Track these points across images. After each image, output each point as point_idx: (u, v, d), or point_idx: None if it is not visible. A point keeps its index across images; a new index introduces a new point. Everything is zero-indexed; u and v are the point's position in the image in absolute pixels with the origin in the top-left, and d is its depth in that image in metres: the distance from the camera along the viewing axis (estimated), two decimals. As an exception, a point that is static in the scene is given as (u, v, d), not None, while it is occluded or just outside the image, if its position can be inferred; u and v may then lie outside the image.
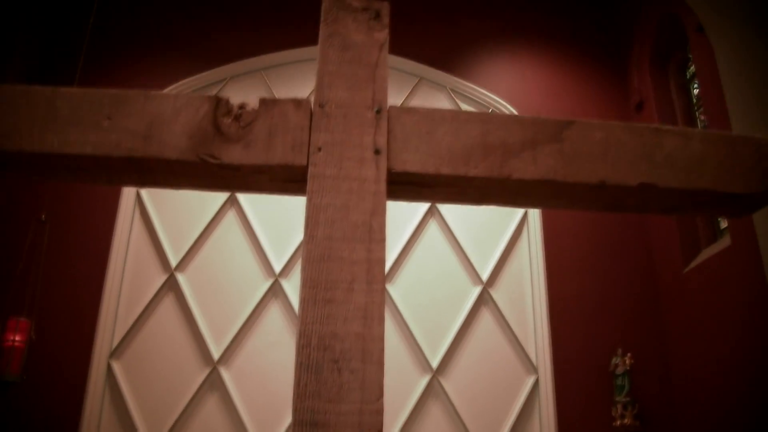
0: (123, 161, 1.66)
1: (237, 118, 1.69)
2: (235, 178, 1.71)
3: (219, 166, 1.65)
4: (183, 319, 7.77)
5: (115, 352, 7.59)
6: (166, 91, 8.72)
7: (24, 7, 8.62)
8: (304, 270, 1.51)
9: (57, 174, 1.75)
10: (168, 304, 7.83)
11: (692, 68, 8.21)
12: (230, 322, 7.76)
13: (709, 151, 1.82)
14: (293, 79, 8.99)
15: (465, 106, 8.98)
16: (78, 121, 1.67)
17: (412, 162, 1.67)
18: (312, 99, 1.74)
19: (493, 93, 8.98)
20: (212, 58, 8.96)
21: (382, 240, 1.56)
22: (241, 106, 1.72)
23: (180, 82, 8.86)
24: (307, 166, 1.61)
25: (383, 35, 1.83)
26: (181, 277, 7.92)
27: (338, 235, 1.55)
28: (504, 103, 8.91)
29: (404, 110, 1.72)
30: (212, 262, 8.04)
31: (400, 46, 8.78)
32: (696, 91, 8.23)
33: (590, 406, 7.55)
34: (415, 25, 9.04)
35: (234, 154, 1.65)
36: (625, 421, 7.38)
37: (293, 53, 8.94)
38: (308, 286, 1.50)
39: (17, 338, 6.10)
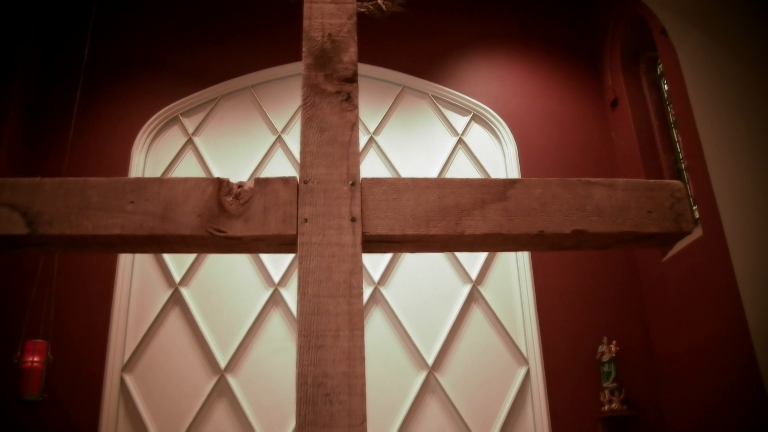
0: (145, 238, 2.01)
1: (237, 196, 2.05)
2: (238, 246, 2.06)
3: (225, 238, 2.01)
4: (189, 330, 8.15)
5: (127, 366, 7.96)
6: (162, 111, 9.08)
7: (23, 30, 8.93)
8: (299, 322, 1.88)
9: (91, 250, 2.11)
10: (174, 317, 8.21)
11: (661, 66, 8.56)
12: (234, 331, 8.13)
13: (631, 198, 2.16)
14: (280, 94, 9.34)
15: (447, 112, 9.34)
16: (106, 207, 2.03)
17: (382, 226, 2.02)
18: (297, 175, 2.09)
19: (474, 97, 9.34)
20: (204, 77, 9.32)
21: (359, 294, 1.92)
22: (240, 185, 2.07)
23: (175, 103, 9.21)
24: (296, 235, 1.97)
25: (353, 115, 2.19)
26: (185, 291, 8.29)
27: (324, 292, 1.91)
28: (484, 106, 9.27)
29: (374, 181, 2.08)
30: (213, 275, 8.40)
31: (382, 57, 9.15)
32: (666, 87, 8.59)
33: (579, 393, 7.94)
34: (395, 36, 9.36)
35: (236, 228, 2.00)
36: (613, 406, 7.75)
37: (279, 69, 9.32)
38: (303, 335, 1.87)
39: (36, 359, 6.46)
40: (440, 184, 2.10)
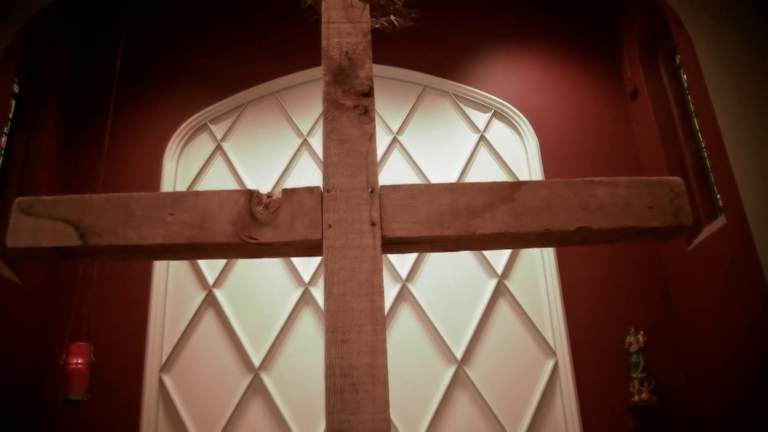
0: (185, 246, 2.22)
1: (266, 206, 2.24)
2: (269, 251, 2.26)
3: (257, 244, 2.20)
4: (223, 331, 8.40)
5: (165, 367, 8.24)
6: (191, 119, 9.35)
7: (59, 45, 9.25)
8: (326, 319, 2.07)
9: (136, 258, 2.32)
10: (209, 318, 8.47)
11: (680, 56, 8.59)
12: (267, 330, 8.37)
13: (632, 195, 2.30)
14: (304, 98, 9.56)
15: (468, 110, 9.48)
16: (149, 219, 2.23)
17: (399, 229, 2.20)
18: (321, 185, 2.27)
19: (494, 94, 9.47)
20: (230, 85, 9.59)
21: (381, 292, 2.11)
22: (269, 196, 2.26)
23: (203, 110, 9.48)
24: (321, 240, 2.16)
25: (371, 127, 2.37)
26: (218, 293, 8.55)
27: (348, 291, 2.10)
28: (504, 102, 9.39)
29: (391, 188, 2.26)
30: (245, 277, 8.64)
31: (403, 58, 9.31)
32: (685, 77, 8.62)
33: (608, 384, 8.00)
34: (415, 37, 9.49)
35: (267, 235, 2.20)
36: (643, 396, 7.76)
37: (303, 74, 9.54)
38: (330, 330, 2.06)
39: (80, 361, 6.73)
40: (452, 188, 2.27)
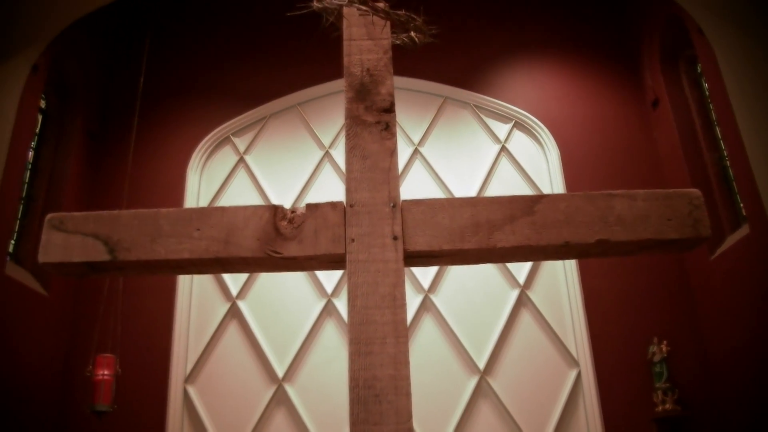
0: (211, 261, 2.26)
1: (290, 221, 2.28)
2: (293, 265, 2.30)
3: (281, 258, 2.24)
4: (247, 342, 8.48)
5: (190, 378, 8.33)
6: (214, 132, 9.47)
7: (85, 62, 9.43)
8: (349, 331, 2.11)
9: (163, 272, 2.38)
10: (233, 330, 8.55)
11: (701, 65, 8.56)
12: (290, 341, 8.42)
13: (651, 207, 2.31)
14: (326, 110, 9.66)
15: (489, 120, 9.51)
16: (176, 234, 2.27)
17: (421, 243, 2.24)
18: (344, 199, 2.30)
19: (515, 105, 9.50)
20: (252, 98, 9.71)
21: (403, 305, 2.14)
22: (293, 211, 2.30)
23: (226, 123, 9.61)
24: (344, 254, 2.19)
25: (392, 143, 2.40)
26: (242, 305, 8.63)
27: (371, 304, 2.13)
28: (525, 113, 9.41)
29: (413, 202, 2.29)
30: (269, 288, 8.71)
31: (423, 69, 9.37)
32: (707, 85, 8.58)
33: (632, 394, 7.96)
34: (436, 48, 9.53)
35: (291, 249, 2.24)
36: (667, 406, 7.72)
37: (324, 87, 9.65)
38: (354, 342, 2.10)
39: (106, 372, 6.83)
40: (473, 202, 2.30)
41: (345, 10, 2.65)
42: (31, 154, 8.62)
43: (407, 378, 2.05)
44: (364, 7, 2.62)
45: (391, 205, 2.25)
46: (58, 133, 9.16)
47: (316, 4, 2.68)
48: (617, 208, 2.30)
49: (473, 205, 2.29)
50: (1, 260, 7.39)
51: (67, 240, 2.24)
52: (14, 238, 8.13)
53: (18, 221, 8.27)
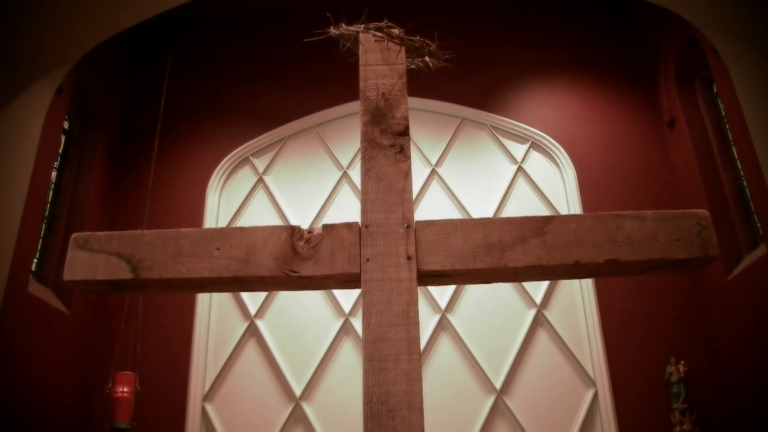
0: (230, 280, 2.34)
1: (307, 241, 2.36)
2: (310, 284, 2.37)
3: (298, 278, 2.31)
4: (265, 360, 8.53)
5: (208, 396, 8.39)
6: (233, 153, 9.60)
7: (107, 82, 9.62)
8: (364, 348, 2.17)
9: (184, 291, 2.45)
10: (251, 348, 8.62)
11: (716, 85, 8.59)
12: (308, 360, 8.47)
13: (659, 228, 2.36)
14: (344, 131, 9.76)
15: (506, 141, 9.57)
16: (197, 253, 2.35)
17: (434, 263, 2.30)
18: (359, 220, 2.37)
19: (531, 125, 9.55)
20: (271, 119, 9.84)
21: (416, 323, 2.20)
22: (310, 231, 2.37)
23: (245, 144, 9.74)
24: (360, 273, 2.26)
25: (407, 165, 2.47)
26: (260, 323, 8.70)
27: (385, 322, 2.20)
28: (541, 133, 9.46)
29: (426, 223, 2.36)
30: (287, 307, 8.78)
31: (440, 91, 9.47)
32: (722, 105, 8.60)
33: (649, 415, 7.91)
34: (452, 69, 9.65)
35: (308, 269, 2.31)
36: (685, 427, 7.65)
37: (342, 108, 9.76)
38: (368, 359, 2.16)
39: (125, 389, 6.90)
40: (485, 223, 2.37)
41: (361, 36, 2.74)
42: (54, 174, 8.78)
43: (420, 394, 2.11)
44: (379, 34, 2.71)
45: (405, 225, 2.32)
46: (80, 154, 9.32)
47: (333, 31, 2.78)
48: (626, 228, 2.35)
49: (485, 226, 2.35)
50: (24, 278, 7.51)
51: (91, 258, 2.32)
52: (37, 256, 8.28)
53: (41, 240, 8.42)
